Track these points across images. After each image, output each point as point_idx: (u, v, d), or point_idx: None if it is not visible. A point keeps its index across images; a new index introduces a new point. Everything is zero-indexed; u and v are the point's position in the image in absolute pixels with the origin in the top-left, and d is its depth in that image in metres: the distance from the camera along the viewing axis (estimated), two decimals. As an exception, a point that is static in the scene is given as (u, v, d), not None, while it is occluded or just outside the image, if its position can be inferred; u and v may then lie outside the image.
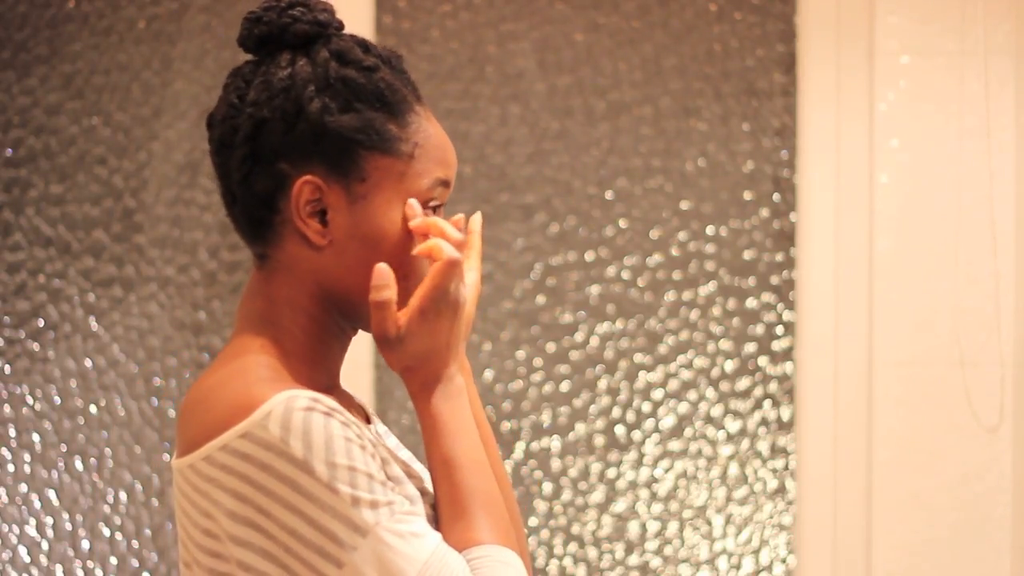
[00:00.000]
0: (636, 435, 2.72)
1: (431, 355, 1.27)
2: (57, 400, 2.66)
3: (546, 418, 2.72)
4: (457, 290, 1.27)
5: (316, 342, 1.29)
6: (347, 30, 1.32)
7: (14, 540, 2.66)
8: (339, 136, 1.25)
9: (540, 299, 2.73)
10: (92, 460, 2.67)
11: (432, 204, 1.28)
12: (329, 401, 1.19)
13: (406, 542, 1.16)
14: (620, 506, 2.72)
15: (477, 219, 1.42)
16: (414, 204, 1.27)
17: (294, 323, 1.28)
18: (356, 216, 1.25)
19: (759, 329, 2.74)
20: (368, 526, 1.15)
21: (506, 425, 2.72)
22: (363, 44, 1.30)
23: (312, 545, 1.15)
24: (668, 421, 2.72)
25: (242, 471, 1.16)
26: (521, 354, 2.72)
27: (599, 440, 2.72)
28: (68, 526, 2.66)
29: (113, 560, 2.66)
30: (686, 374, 2.73)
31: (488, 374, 2.72)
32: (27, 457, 2.67)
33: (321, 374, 1.29)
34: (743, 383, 2.74)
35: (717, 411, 2.73)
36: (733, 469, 2.73)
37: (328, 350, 1.31)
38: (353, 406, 1.35)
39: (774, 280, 2.74)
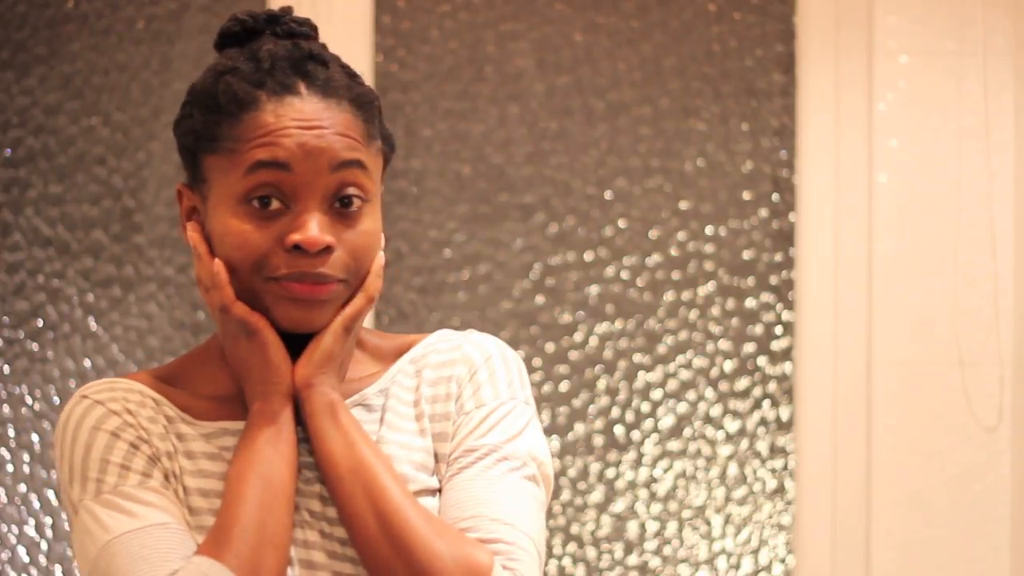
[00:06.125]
0: (635, 435, 2.72)
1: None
2: (57, 400, 2.66)
3: (545, 418, 2.71)
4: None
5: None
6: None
7: (13, 540, 2.66)
8: (180, 144, 1.33)
9: (539, 299, 2.73)
10: (91, 460, 2.67)
11: (258, 194, 1.27)
12: (121, 390, 1.31)
13: (104, 518, 1.25)
14: (619, 506, 2.72)
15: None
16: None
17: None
18: (207, 216, 1.31)
19: (758, 329, 2.74)
20: (75, 503, 1.28)
21: (505, 425, 2.72)
22: (246, 44, 1.32)
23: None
24: (667, 421, 2.73)
25: None
26: (521, 354, 2.72)
27: (598, 440, 2.72)
28: (67, 526, 2.66)
29: (112, 560, 2.66)
30: (685, 374, 2.73)
31: (487, 374, 2.72)
32: (27, 457, 2.67)
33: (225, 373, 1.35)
34: (742, 383, 2.74)
35: (716, 411, 2.73)
36: (732, 469, 2.73)
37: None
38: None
39: (773, 280, 2.74)
